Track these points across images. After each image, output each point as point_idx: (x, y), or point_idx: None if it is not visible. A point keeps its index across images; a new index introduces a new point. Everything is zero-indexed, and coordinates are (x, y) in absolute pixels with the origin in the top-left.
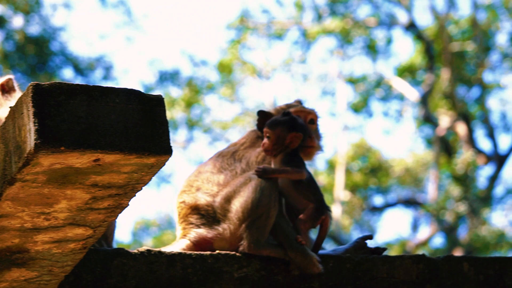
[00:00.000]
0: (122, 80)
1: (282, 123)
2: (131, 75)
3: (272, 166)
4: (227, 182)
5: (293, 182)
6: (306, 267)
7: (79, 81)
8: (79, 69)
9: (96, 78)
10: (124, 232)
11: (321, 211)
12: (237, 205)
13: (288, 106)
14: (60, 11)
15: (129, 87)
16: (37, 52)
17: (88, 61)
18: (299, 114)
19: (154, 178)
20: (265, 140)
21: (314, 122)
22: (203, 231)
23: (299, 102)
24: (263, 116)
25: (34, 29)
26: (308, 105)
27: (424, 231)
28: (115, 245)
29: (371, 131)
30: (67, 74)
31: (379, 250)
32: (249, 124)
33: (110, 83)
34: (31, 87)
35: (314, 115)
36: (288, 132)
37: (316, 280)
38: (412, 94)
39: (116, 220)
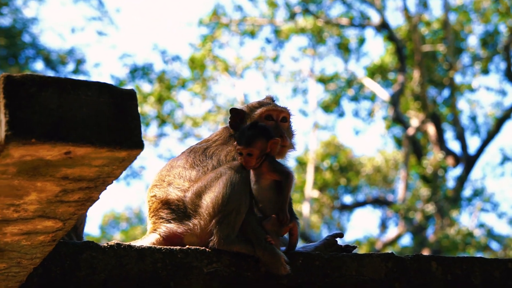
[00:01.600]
0: (93, 74)
1: (258, 136)
2: (103, 69)
3: (253, 177)
4: (198, 178)
5: (273, 186)
6: (273, 266)
7: (50, 74)
8: (50, 62)
9: (67, 71)
10: (93, 225)
11: (287, 220)
12: (207, 200)
13: (260, 103)
14: (31, 3)
15: (100, 81)
16: (8, 44)
17: (59, 54)
18: (271, 113)
19: (124, 173)
20: (246, 158)
21: (286, 120)
22: (173, 226)
23: (270, 99)
24: (235, 114)
25: (6, 21)
26: (280, 103)
27: (393, 230)
28: (84, 239)
29: (341, 130)
30: (38, 67)
31: (349, 248)
32: (220, 121)
33: (81, 76)
34: (2, 78)
35: (286, 113)
36: (267, 141)
37: (285, 277)
38: (383, 94)
39: (86, 213)
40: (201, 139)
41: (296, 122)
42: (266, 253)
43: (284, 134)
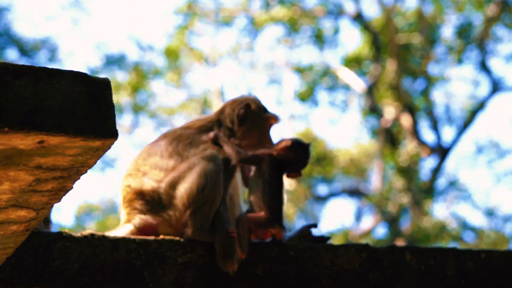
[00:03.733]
0: (67, 62)
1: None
2: (77, 58)
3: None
4: (173, 168)
5: (250, 179)
6: (222, 259)
7: (23, 62)
8: (23, 50)
9: (41, 60)
10: (67, 216)
11: (271, 223)
12: (182, 191)
13: (245, 103)
14: None
15: (75, 70)
16: None
17: (33, 42)
18: (275, 122)
19: (98, 163)
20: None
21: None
22: (148, 218)
23: (256, 104)
24: (247, 109)
25: None
26: (255, 93)
27: (367, 221)
28: (56, 227)
29: (316, 120)
30: (11, 55)
31: (323, 238)
32: (195, 111)
33: (55, 65)
34: None
35: (275, 120)
36: None
37: (259, 266)
38: (358, 84)
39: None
40: (182, 124)
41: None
42: (221, 244)
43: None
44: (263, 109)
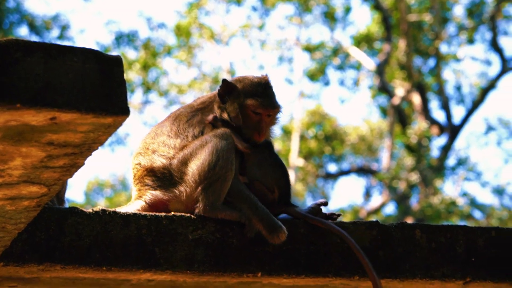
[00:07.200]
0: (78, 40)
1: None
2: (87, 35)
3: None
4: (183, 146)
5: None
6: (271, 234)
7: (34, 39)
8: (34, 27)
9: (52, 37)
10: (77, 192)
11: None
12: (193, 167)
13: (255, 88)
14: None
15: (86, 47)
16: None
17: (44, 19)
18: (261, 111)
19: (109, 140)
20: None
21: (272, 115)
22: (159, 193)
23: (266, 81)
24: (225, 86)
25: None
26: (266, 71)
27: (377, 199)
28: (67, 204)
29: (327, 99)
30: (23, 32)
31: (333, 216)
32: (206, 89)
33: (65, 42)
34: None
35: (276, 112)
36: None
37: (270, 244)
38: (369, 63)
39: (67, 181)
40: (187, 104)
41: (281, 94)
42: (262, 221)
43: (262, 131)
44: (249, 93)
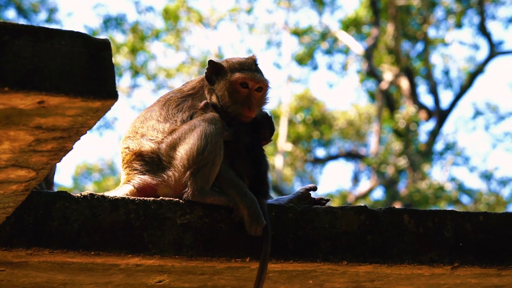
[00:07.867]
0: (66, 23)
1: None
2: (75, 18)
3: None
4: (172, 130)
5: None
6: (252, 224)
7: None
8: (22, 10)
9: (40, 20)
10: (65, 176)
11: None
12: (182, 152)
13: (241, 64)
14: None
15: (74, 30)
16: None
17: (31, 2)
18: (248, 82)
19: (97, 124)
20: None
21: (261, 90)
22: (147, 178)
23: (253, 61)
24: (212, 67)
25: None
26: (260, 65)
27: (365, 184)
28: (56, 188)
29: (315, 83)
30: (10, 15)
31: (322, 201)
32: (194, 72)
33: (53, 25)
34: None
35: (264, 84)
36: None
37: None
38: (357, 47)
39: (56, 164)
40: (176, 88)
41: (269, 78)
42: (248, 210)
43: (253, 105)
44: (237, 69)
